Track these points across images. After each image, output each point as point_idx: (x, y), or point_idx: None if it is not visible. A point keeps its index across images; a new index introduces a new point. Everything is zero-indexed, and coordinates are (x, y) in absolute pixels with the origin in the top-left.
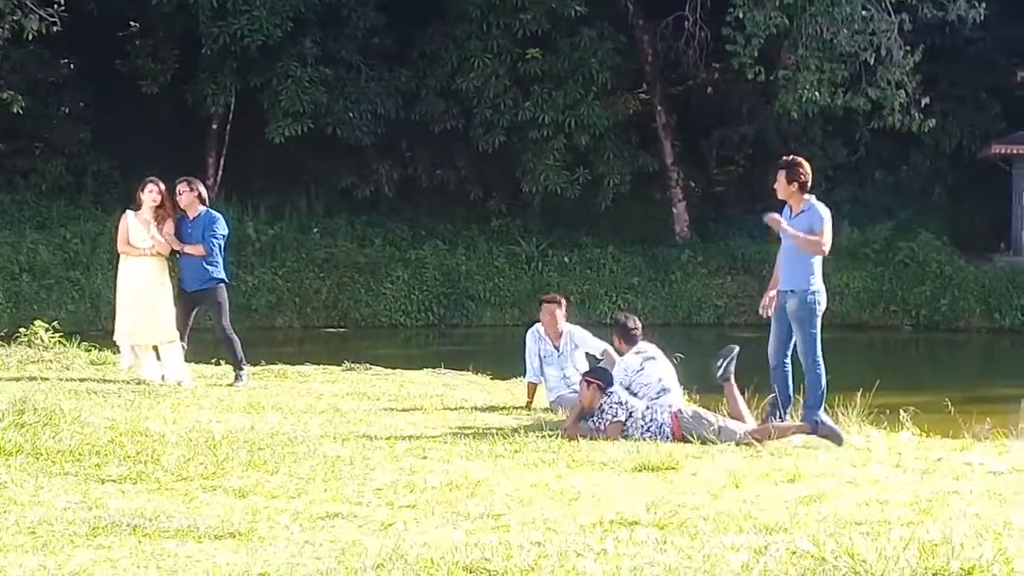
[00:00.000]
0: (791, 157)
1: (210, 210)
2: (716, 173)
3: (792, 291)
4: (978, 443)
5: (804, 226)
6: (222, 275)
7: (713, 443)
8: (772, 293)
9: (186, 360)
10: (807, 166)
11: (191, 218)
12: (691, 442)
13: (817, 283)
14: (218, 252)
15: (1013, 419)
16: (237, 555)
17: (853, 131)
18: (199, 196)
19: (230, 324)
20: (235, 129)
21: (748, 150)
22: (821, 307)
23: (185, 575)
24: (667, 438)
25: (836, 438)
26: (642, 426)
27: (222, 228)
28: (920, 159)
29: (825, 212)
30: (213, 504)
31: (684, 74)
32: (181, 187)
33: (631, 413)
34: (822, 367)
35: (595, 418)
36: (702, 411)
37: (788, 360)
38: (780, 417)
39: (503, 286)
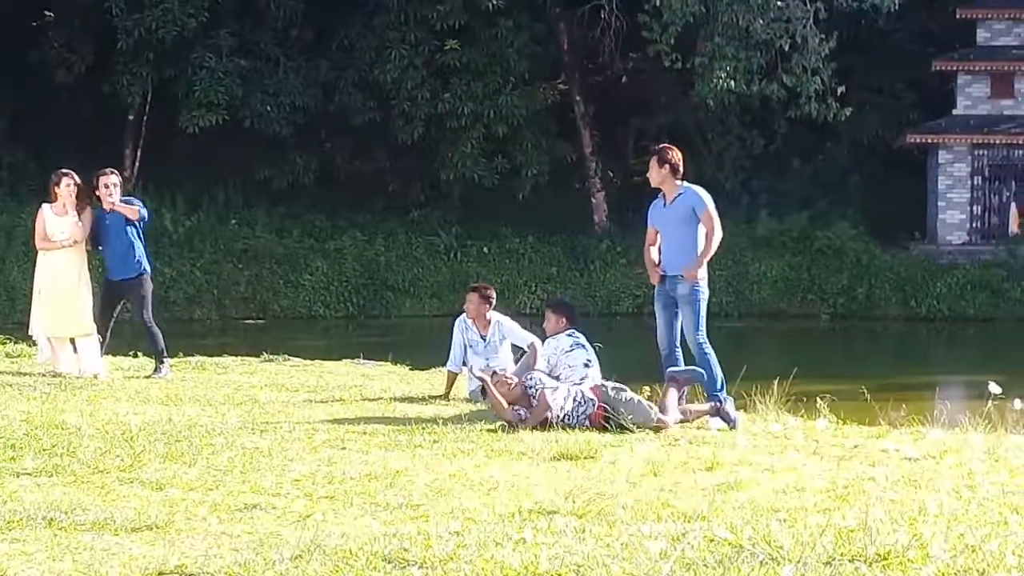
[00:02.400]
0: (661, 145)
1: (125, 196)
2: (634, 163)
3: (682, 276)
4: (894, 430)
5: (683, 211)
6: (146, 264)
7: (629, 430)
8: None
9: (104, 353)
10: (677, 152)
11: (107, 210)
12: (610, 418)
13: (703, 269)
14: (141, 238)
15: (928, 406)
16: (154, 548)
17: (770, 121)
18: (116, 186)
19: (151, 317)
20: (152, 121)
21: (666, 140)
22: (707, 292)
23: (101, 568)
24: (590, 411)
25: (730, 422)
26: (565, 398)
27: (143, 210)
28: (837, 149)
29: (705, 193)
30: (130, 497)
31: (602, 64)
32: (105, 180)
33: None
34: (710, 347)
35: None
36: (620, 385)
37: (679, 346)
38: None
39: (422, 276)
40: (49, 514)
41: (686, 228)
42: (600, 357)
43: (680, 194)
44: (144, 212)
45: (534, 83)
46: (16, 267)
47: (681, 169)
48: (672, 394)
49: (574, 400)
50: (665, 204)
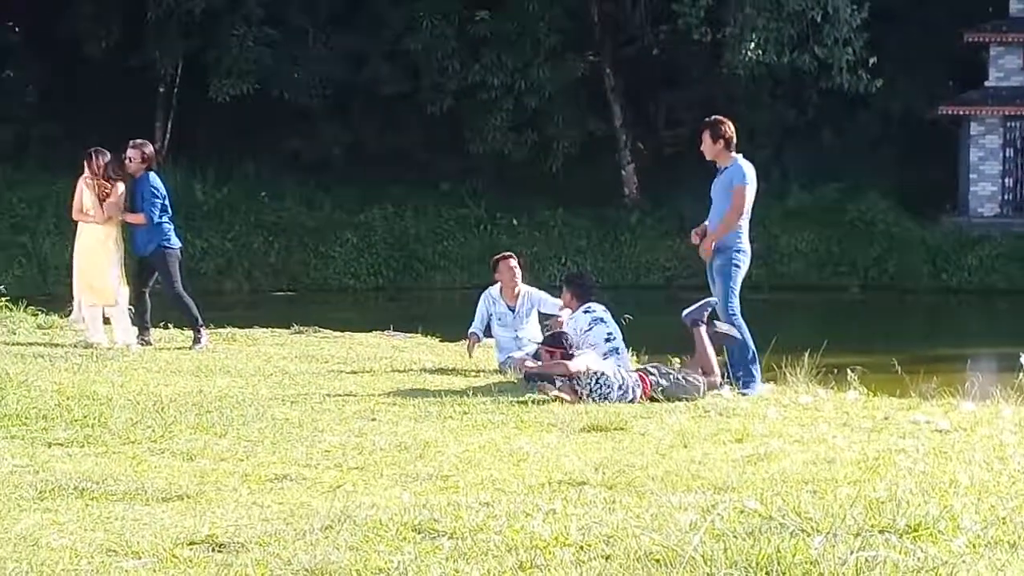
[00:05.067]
0: (713, 117)
1: (149, 173)
2: (665, 136)
3: (718, 248)
4: (924, 402)
5: (726, 183)
6: (164, 240)
7: (682, 397)
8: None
9: (146, 325)
10: (730, 124)
11: (136, 180)
12: (658, 400)
13: (743, 242)
14: (158, 216)
15: (959, 378)
16: (185, 518)
17: (802, 93)
18: (143, 159)
19: (180, 288)
20: (182, 93)
21: (696, 112)
22: (744, 265)
23: (133, 538)
24: (636, 399)
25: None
26: (613, 389)
27: (157, 189)
28: (868, 120)
29: (748, 168)
30: (161, 467)
31: (633, 36)
32: (131, 153)
33: (598, 378)
34: (740, 320)
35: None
36: (665, 369)
37: (739, 316)
38: (747, 373)
39: (452, 249)
40: (81, 484)
41: (726, 201)
42: (629, 329)
43: (728, 167)
44: (151, 206)
45: (565, 56)
46: (47, 239)
47: (734, 141)
48: (705, 344)
49: (619, 388)
50: (719, 171)
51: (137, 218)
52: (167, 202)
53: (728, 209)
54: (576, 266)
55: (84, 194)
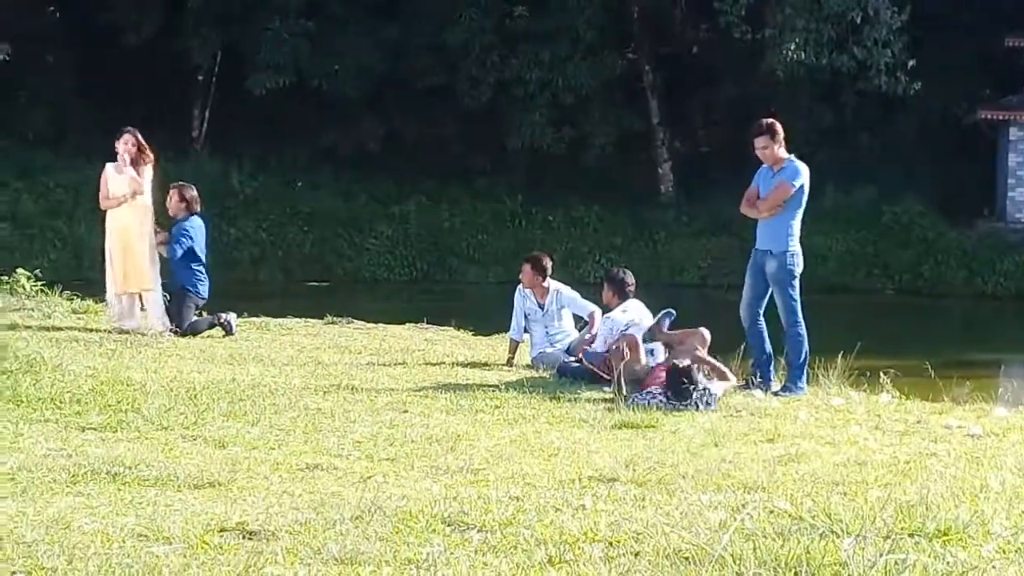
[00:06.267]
0: (767, 120)
1: (192, 216)
2: (702, 134)
3: (771, 252)
4: (957, 407)
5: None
6: (190, 285)
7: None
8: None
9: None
10: (779, 124)
11: (176, 222)
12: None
13: (795, 244)
14: (179, 256)
15: (992, 384)
16: (215, 504)
17: (839, 94)
18: (182, 199)
19: (187, 325)
20: (220, 82)
21: (734, 112)
22: (799, 268)
23: (164, 523)
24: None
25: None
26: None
27: (189, 232)
28: (906, 123)
29: (802, 167)
30: (193, 453)
31: (671, 34)
32: (171, 194)
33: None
34: (803, 328)
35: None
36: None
37: (761, 318)
38: (764, 377)
39: (487, 243)
40: (113, 469)
41: (786, 205)
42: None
43: (784, 168)
44: (178, 246)
45: (603, 52)
46: (83, 224)
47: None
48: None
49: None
50: (773, 174)
51: (161, 237)
52: (199, 246)
53: (767, 195)
54: (611, 263)
55: (110, 180)
